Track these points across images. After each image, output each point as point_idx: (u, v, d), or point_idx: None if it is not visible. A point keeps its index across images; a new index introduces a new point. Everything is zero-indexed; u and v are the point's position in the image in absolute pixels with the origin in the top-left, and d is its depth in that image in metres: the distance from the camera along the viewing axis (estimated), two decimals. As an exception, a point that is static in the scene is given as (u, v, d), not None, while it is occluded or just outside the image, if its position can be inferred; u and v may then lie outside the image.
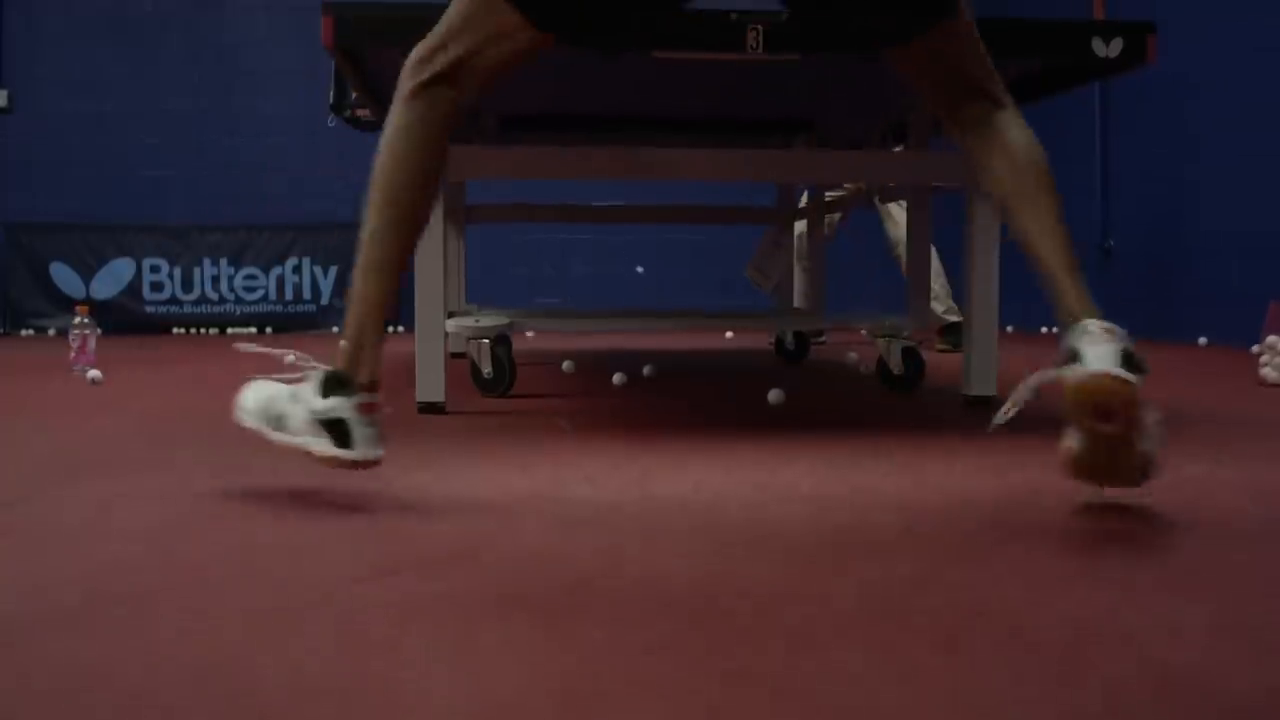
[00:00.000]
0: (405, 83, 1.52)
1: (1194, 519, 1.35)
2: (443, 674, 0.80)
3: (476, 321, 2.66)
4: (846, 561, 1.13)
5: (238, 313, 6.78)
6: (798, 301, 4.52)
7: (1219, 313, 4.92)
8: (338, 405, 1.42)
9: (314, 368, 1.49)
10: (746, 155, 2.41)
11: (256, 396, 1.53)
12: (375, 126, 3.96)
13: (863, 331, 2.93)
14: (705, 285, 7.25)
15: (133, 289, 6.72)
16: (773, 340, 4.64)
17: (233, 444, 1.95)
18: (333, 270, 6.85)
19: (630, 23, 1.57)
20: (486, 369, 2.67)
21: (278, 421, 1.48)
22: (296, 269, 6.83)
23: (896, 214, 4.52)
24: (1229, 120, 4.92)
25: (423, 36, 2.05)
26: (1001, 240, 2.45)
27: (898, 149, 3.58)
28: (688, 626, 0.91)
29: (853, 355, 3.79)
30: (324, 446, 1.43)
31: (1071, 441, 1.38)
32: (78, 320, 3.48)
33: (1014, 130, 1.53)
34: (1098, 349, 1.30)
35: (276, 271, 6.82)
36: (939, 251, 4.36)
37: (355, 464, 1.43)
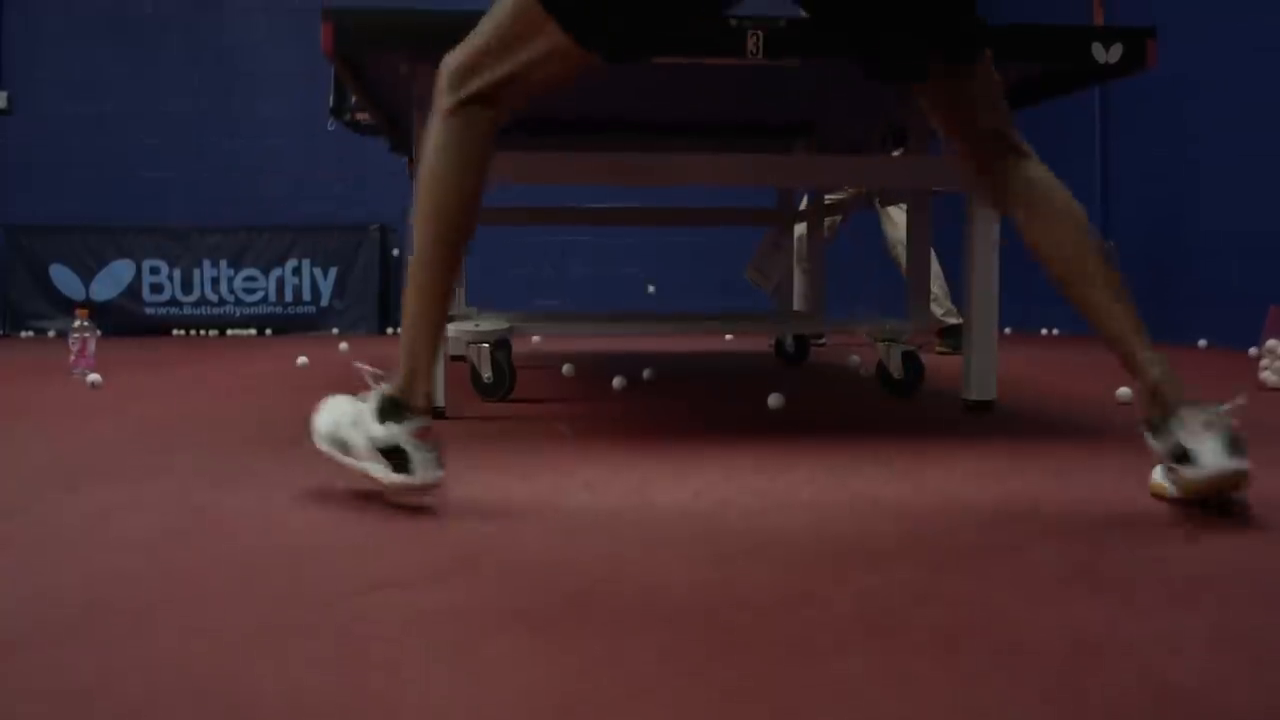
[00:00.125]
0: (442, 98, 1.49)
1: (1194, 527, 1.35)
2: (442, 688, 0.80)
3: (476, 326, 2.66)
4: (846, 571, 1.13)
5: (237, 314, 6.78)
6: (797, 303, 4.52)
7: (1219, 314, 4.92)
8: (395, 433, 1.42)
9: (376, 376, 1.48)
10: (748, 160, 2.41)
11: (326, 420, 1.53)
12: (375, 131, 3.96)
13: (864, 334, 2.93)
14: (705, 286, 7.25)
15: (132, 290, 6.72)
16: (773, 342, 4.64)
17: (233, 451, 1.95)
18: (332, 272, 6.85)
19: (673, 36, 1.54)
20: (486, 374, 2.67)
21: (344, 446, 1.48)
22: (296, 271, 6.83)
23: (896, 216, 4.52)
24: (1229, 120, 4.92)
25: (423, 42, 2.06)
26: (1001, 243, 2.45)
27: (897, 152, 3.58)
28: (688, 637, 0.91)
29: (854, 358, 3.79)
30: (385, 473, 1.42)
31: (1172, 488, 1.42)
32: (77, 323, 3.48)
33: (1056, 193, 1.53)
34: (1209, 445, 1.33)
35: (276, 273, 6.82)
36: (938, 253, 4.36)
37: (414, 489, 1.42)
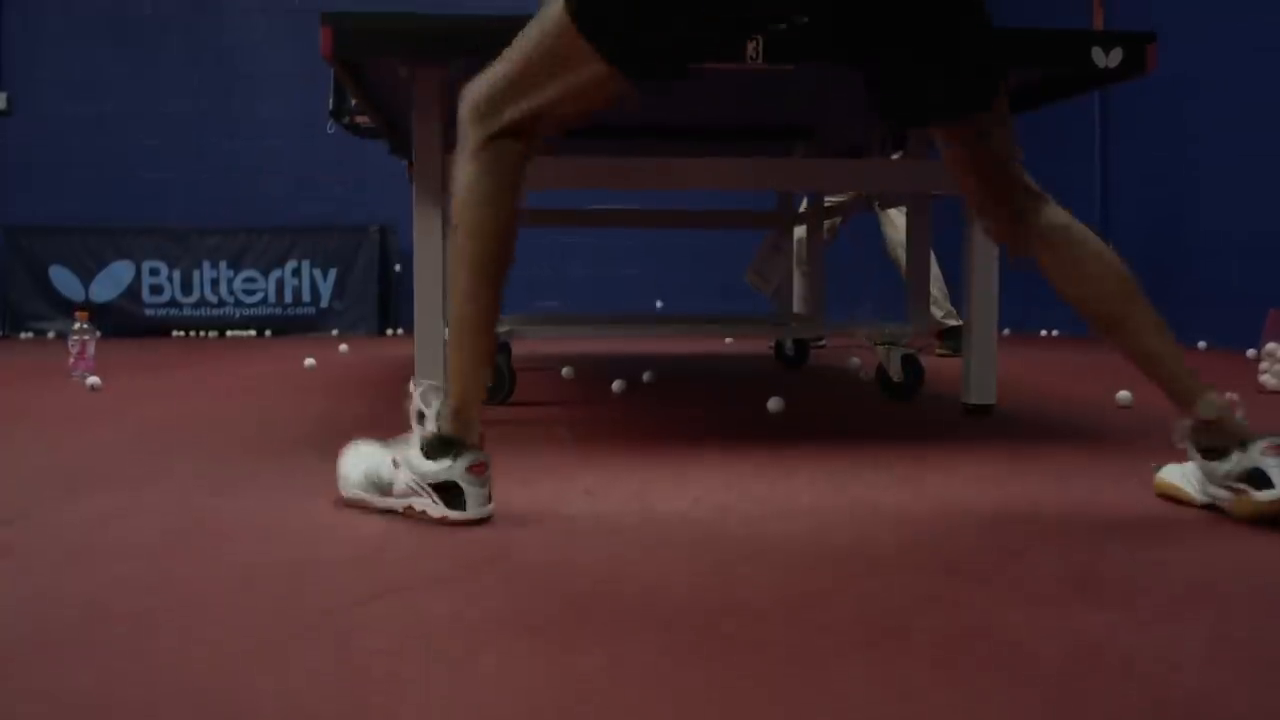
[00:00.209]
0: (470, 132, 1.45)
1: (1194, 535, 1.35)
2: (442, 699, 0.80)
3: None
4: (847, 577, 1.13)
5: (237, 315, 6.78)
6: (797, 305, 4.52)
7: (1218, 316, 4.92)
8: (450, 468, 1.40)
9: (430, 388, 1.47)
10: (748, 164, 2.41)
11: (357, 466, 1.51)
12: (375, 134, 3.96)
13: (864, 337, 2.93)
14: (705, 288, 7.25)
15: (132, 292, 6.72)
16: (772, 344, 4.64)
17: (233, 455, 1.95)
18: (332, 273, 6.84)
19: (701, 46, 1.51)
20: (486, 376, 2.67)
21: (385, 488, 1.46)
22: (296, 272, 6.83)
23: (896, 218, 4.52)
24: (1228, 121, 4.92)
25: (423, 46, 2.06)
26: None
27: (897, 155, 3.58)
28: (688, 648, 0.91)
29: (855, 360, 3.79)
30: (435, 508, 1.41)
31: (1236, 506, 1.42)
32: (77, 326, 3.48)
33: (1082, 235, 1.52)
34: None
35: (276, 274, 6.81)
36: (938, 256, 4.36)
37: (469, 523, 1.40)
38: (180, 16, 7.28)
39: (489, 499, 1.42)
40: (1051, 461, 1.89)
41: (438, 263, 2.35)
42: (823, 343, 5.14)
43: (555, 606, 1.04)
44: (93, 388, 3.14)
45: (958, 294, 4.35)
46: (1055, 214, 1.55)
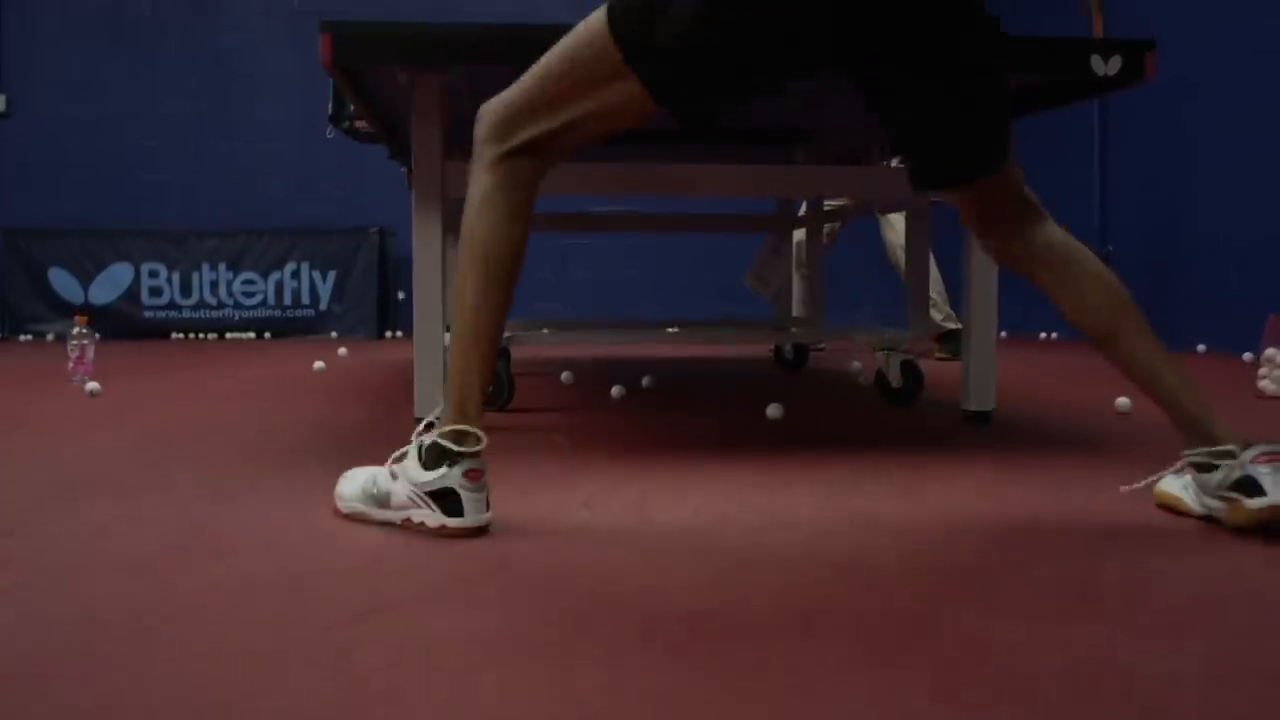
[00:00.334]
0: (485, 150, 1.45)
1: (1192, 547, 1.35)
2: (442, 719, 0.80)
3: (475, 335, 2.65)
4: (847, 594, 1.13)
5: (236, 318, 6.78)
6: (797, 309, 4.52)
7: (1218, 319, 4.93)
8: (446, 475, 1.40)
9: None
10: (749, 170, 2.41)
11: (353, 483, 1.51)
12: (374, 139, 3.96)
13: (863, 343, 2.93)
14: (704, 291, 7.25)
15: (131, 294, 6.72)
16: (772, 348, 4.64)
17: (232, 462, 1.95)
18: (331, 275, 6.84)
19: (751, 91, 1.50)
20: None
21: (383, 500, 1.46)
22: (295, 274, 6.83)
23: (895, 221, 4.52)
24: (1227, 123, 4.92)
25: (422, 54, 2.06)
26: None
27: (896, 159, 3.58)
28: (688, 668, 0.91)
29: (856, 364, 3.80)
30: (433, 517, 1.41)
31: (1229, 515, 1.43)
32: (76, 330, 3.48)
33: (1080, 254, 1.52)
34: (1273, 479, 1.38)
35: (275, 276, 6.81)
36: (937, 259, 4.37)
37: (466, 531, 1.40)
38: (179, 18, 7.28)
39: (487, 506, 1.42)
40: (1050, 470, 1.89)
41: (437, 269, 2.35)
42: (822, 345, 5.14)
43: (554, 623, 1.04)
44: (92, 393, 3.14)
45: (957, 298, 4.35)
46: (1053, 233, 1.55)
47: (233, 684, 0.87)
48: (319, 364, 4.23)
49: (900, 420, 2.59)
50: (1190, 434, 1.47)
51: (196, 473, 1.86)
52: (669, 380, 3.58)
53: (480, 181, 1.45)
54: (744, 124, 3.32)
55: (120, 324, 6.63)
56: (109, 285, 6.72)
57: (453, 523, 1.40)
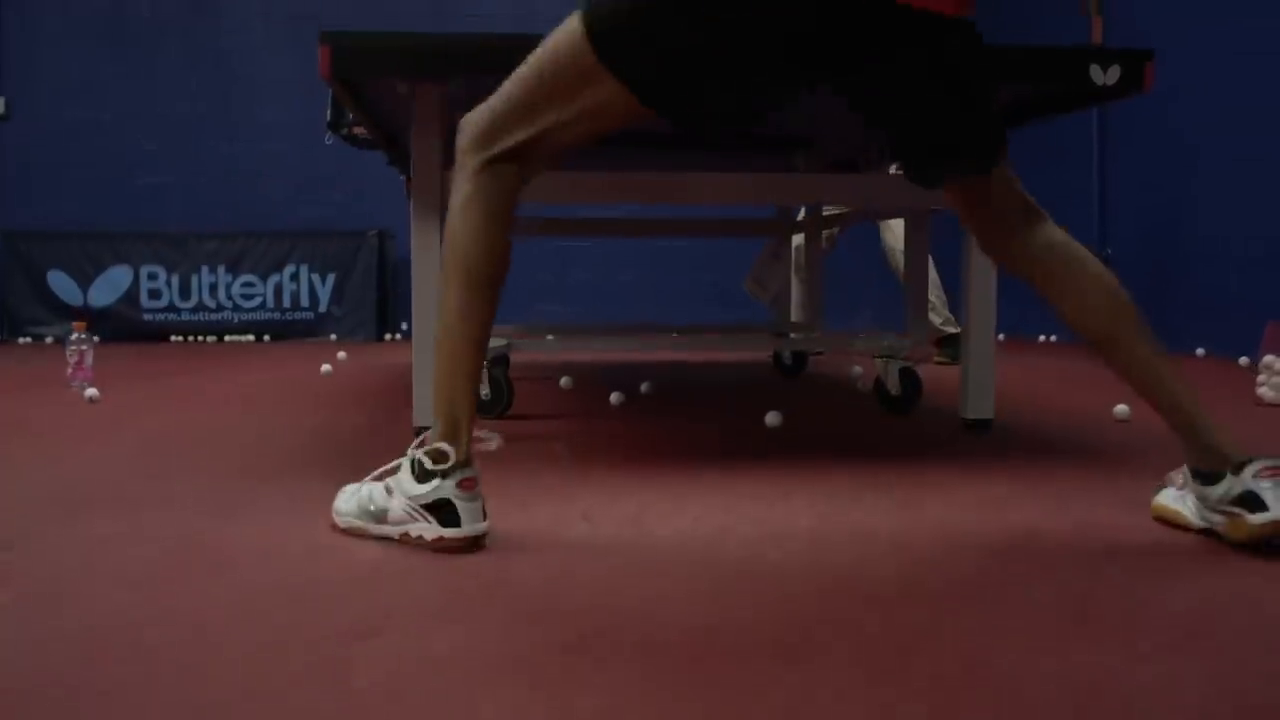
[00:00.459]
0: (468, 158, 1.46)
1: (1192, 563, 1.35)
2: (442, 747, 0.80)
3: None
4: (846, 612, 1.13)
5: (235, 320, 6.78)
6: (796, 313, 4.52)
7: (1217, 322, 4.93)
8: (440, 487, 1.40)
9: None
10: (749, 179, 2.41)
11: (350, 499, 1.51)
12: (372, 145, 3.95)
13: (862, 350, 2.93)
14: (703, 294, 7.25)
15: (130, 297, 6.72)
16: (771, 352, 4.64)
17: (231, 473, 1.95)
18: (330, 278, 6.84)
19: (744, 98, 1.49)
20: (484, 391, 2.67)
21: (380, 516, 1.46)
22: (294, 276, 6.83)
23: (895, 226, 4.52)
24: (1225, 126, 4.92)
25: (421, 65, 2.06)
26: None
27: (894, 166, 3.58)
28: (688, 690, 0.91)
29: (857, 370, 3.80)
30: (430, 529, 1.40)
31: (1230, 530, 1.42)
32: (74, 336, 3.48)
33: (1081, 256, 1.52)
34: (1275, 494, 1.37)
35: (274, 279, 6.81)
36: (937, 264, 4.37)
37: (464, 540, 1.40)
38: (178, 20, 7.28)
39: (483, 515, 1.42)
40: (1050, 482, 1.89)
41: (436, 278, 2.35)
42: (821, 350, 5.14)
43: (553, 643, 1.04)
44: (91, 399, 3.14)
45: (956, 303, 4.35)
46: (1053, 234, 1.55)
47: (232, 703, 0.87)
48: (326, 367, 4.26)
49: (899, 428, 2.60)
50: (1190, 443, 1.47)
51: (196, 483, 1.86)
52: (668, 385, 3.58)
53: (462, 190, 1.46)
54: (744, 131, 3.32)
55: (119, 327, 6.63)
56: (108, 288, 6.72)
57: (450, 533, 1.40)
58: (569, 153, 1.53)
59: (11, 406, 3.08)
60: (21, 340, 6.61)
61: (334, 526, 1.52)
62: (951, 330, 4.52)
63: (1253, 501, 1.38)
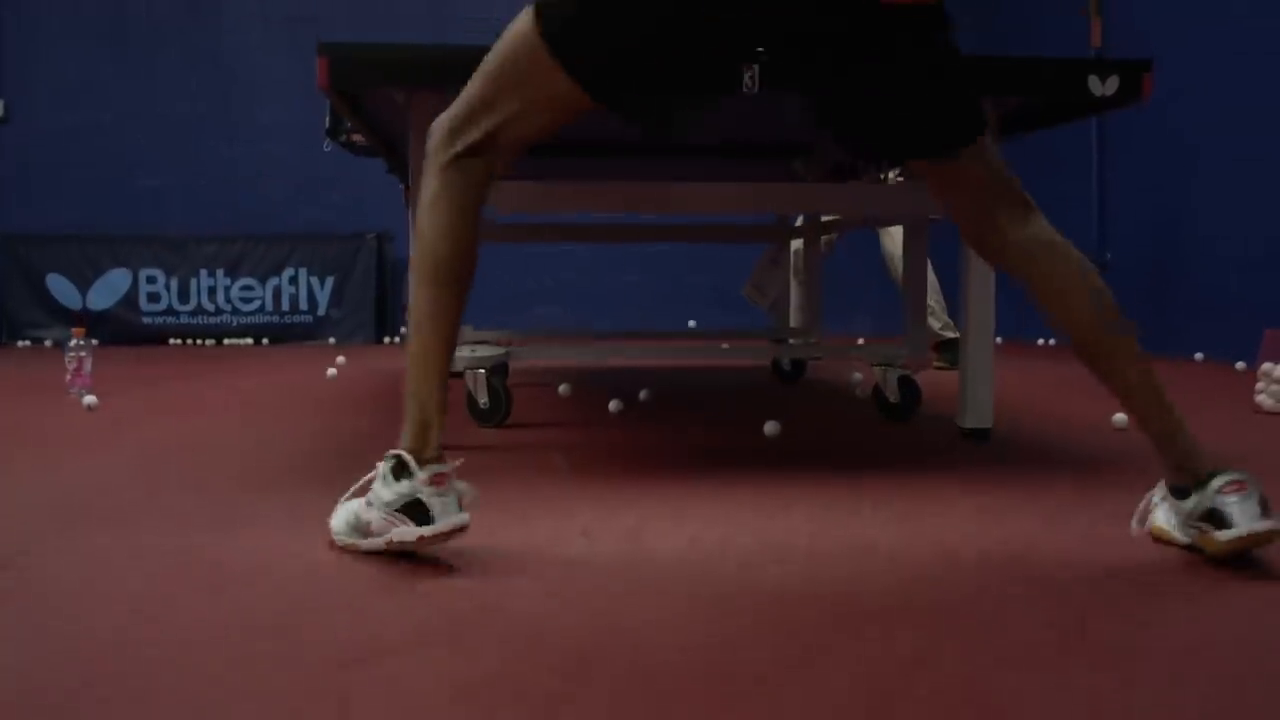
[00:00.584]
0: (435, 157, 1.50)
1: (1188, 581, 1.35)
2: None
3: (473, 351, 2.66)
4: (844, 632, 1.13)
5: (234, 324, 6.78)
6: (794, 318, 4.52)
7: (1216, 325, 4.93)
8: (410, 486, 1.40)
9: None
10: (749, 188, 2.41)
11: (342, 516, 1.51)
12: (371, 152, 3.95)
13: (861, 357, 2.94)
14: (703, 296, 7.25)
15: (129, 300, 6.72)
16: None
17: (230, 486, 1.95)
18: (329, 281, 6.84)
19: (685, 86, 1.52)
20: (483, 399, 2.67)
21: (365, 529, 1.46)
22: (293, 280, 6.82)
23: (894, 230, 4.52)
24: (1225, 126, 4.92)
25: (419, 76, 2.06)
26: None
27: (894, 171, 3.58)
28: (684, 715, 0.91)
29: (857, 376, 3.79)
30: (409, 532, 1.40)
31: (1204, 545, 1.41)
32: (73, 343, 3.48)
33: (1065, 253, 1.50)
34: (1240, 509, 1.36)
35: (273, 282, 6.81)
36: (935, 267, 4.37)
37: (443, 536, 1.39)
38: (177, 23, 7.28)
39: (459, 507, 1.41)
40: (1049, 494, 1.89)
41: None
42: (820, 356, 5.14)
43: (552, 669, 1.04)
44: (90, 407, 3.14)
45: (954, 309, 4.34)
46: (1040, 230, 1.52)
47: (230, 736, 0.87)
48: (332, 371, 4.27)
49: (897, 437, 2.60)
50: (1165, 457, 1.46)
51: (195, 495, 1.86)
52: (667, 391, 3.57)
53: (429, 187, 1.50)
54: (743, 138, 3.33)
55: (118, 330, 6.62)
56: (107, 291, 6.71)
57: (426, 531, 1.39)
58: (561, 156, 1.55)
59: (10, 413, 3.08)
60: (20, 343, 6.61)
61: (331, 544, 1.52)
62: (950, 335, 4.52)
63: (1218, 518, 1.37)
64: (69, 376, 3.47)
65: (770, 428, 2.55)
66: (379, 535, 1.44)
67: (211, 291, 6.77)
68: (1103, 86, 2.12)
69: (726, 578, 1.35)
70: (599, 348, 2.81)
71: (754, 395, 3.54)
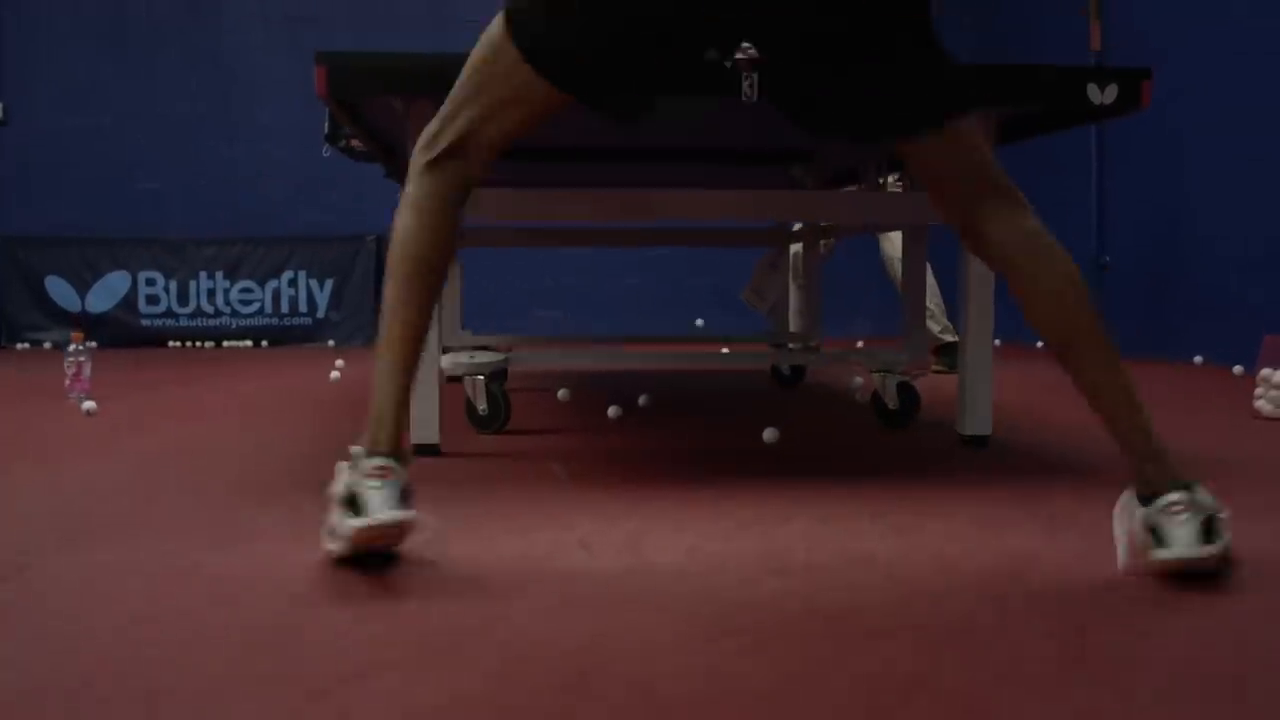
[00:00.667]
0: (416, 161, 1.55)
1: (1192, 597, 1.34)
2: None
3: (472, 358, 2.66)
4: (844, 652, 1.13)
5: (233, 326, 6.77)
6: (793, 321, 4.52)
7: (1216, 328, 4.92)
8: (348, 481, 1.41)
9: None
10: (749, 196, 2.41)
11: (325, 533, 1.52)
12: (371, 158, 3.95)
13: (860, 363, 2.94)
14: (702, 298, 7.25)
15: (128, 302, 6.71)
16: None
17: (230, 496, 1.95)
18: (329, 283, 6.84)
19: (651, 77, 1.56)
20: (482, 406, 2.67)
21: (333, 533, 1.46)
22: (292, 282, 6.82)
23: (894, 234, 4.52)
24: (1224, 127, 4.92)
25: (421, 87, 2.06)
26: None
27: (894, 177, 3.58)
28: (683, 737, 0.92)
29: (857, 380, 3.79)
30: (340, 530, 1.39)
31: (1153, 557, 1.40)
32: (72, 348, 3.48)
33: (1049, 250, 1.48)
34: (1181, 531, 1.34)
35: (273, 285, 6.81)
36: (934, 269, 4.36)
37: (373, 530, 1.38)
38: (177, 24, 7.27)
39: (398, 501, 1.39)
40: (1049, 503, 1.89)
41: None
42: (819, 363, 5.14)
43: (549, 683, 1.03)
44: (89, 412, 3.14)
45: (954, 313, 4.35)
46: (1025, 223, 1.50)
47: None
48: (335, 374, 4.27)
49: (896, 444, 2.60)
50: (1129, 463, 1.45)
51: (195, 506, 1.86)
52: (666, 396, 3.57)
53: (409, 190, 1.55)
54: (742, 144, 3.32)
55: (117, 333, 6.62)
56: (106, 294, 6.71)
57: (356, 523, 1.37)
58: (555, 162, 1.58)
59: (9, 420, 3.08)
60: (19, 346, 6.61)
61: (329, 554, 1.52)
62: (949, 339, 4.52)
63: (1157, 536, 1.37)
64: (68, 382, 3.47)
65: (769, 434, 2.55)
66: (339, 535, 1.43)
67: (210, 294, 6.76)
68: (1102, 95, 2.12)
69: (724, 592, 1.35)
70: (598, 353, 2.81)
71: (753, 400, 3.54)
